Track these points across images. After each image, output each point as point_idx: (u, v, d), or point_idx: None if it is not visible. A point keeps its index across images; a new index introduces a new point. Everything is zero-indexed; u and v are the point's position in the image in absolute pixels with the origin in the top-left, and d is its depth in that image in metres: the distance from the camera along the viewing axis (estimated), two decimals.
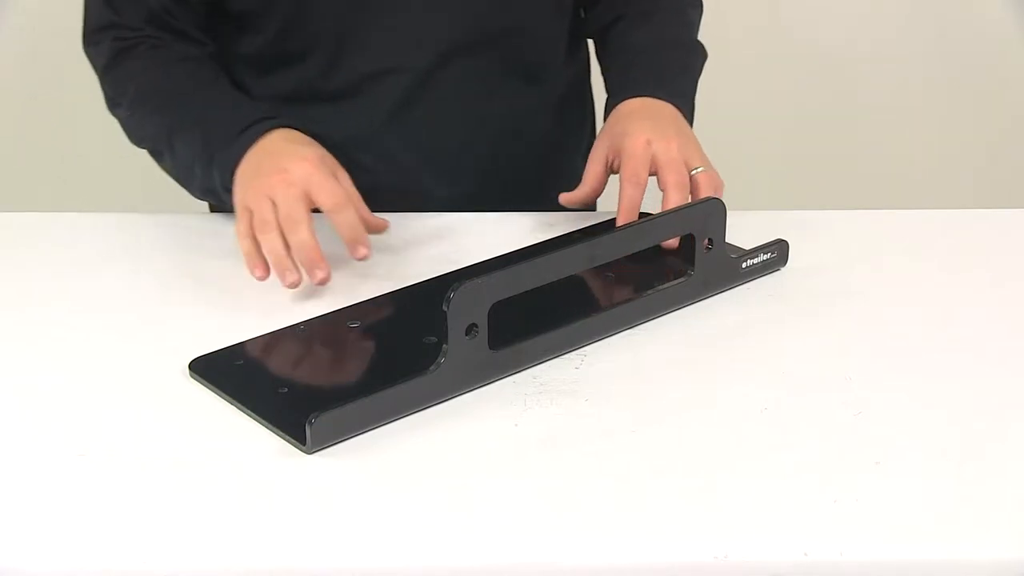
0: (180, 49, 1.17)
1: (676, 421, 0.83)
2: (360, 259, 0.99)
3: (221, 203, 1.11)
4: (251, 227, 0.99)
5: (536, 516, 0.73)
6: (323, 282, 0.97)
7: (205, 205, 1.29)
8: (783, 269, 1.06)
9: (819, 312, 0.98)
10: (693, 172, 1.06)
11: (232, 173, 1.04)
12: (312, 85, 1.19)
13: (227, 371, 0.89)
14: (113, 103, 1.18)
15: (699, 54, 1.25)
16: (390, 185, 1.20)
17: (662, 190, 1.06)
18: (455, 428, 0.83)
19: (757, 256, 1.03)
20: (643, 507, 0.74)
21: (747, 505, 0.74)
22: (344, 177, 1.04)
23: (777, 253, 1.05)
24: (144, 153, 1.17)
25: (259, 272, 0.99)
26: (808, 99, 2.36)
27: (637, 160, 1.06)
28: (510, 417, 0.84)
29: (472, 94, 1.20)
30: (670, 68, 1.20)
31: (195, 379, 0.88)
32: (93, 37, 1.19)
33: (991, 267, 1.07)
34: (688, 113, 1.16)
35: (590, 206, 1.20)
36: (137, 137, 1.17)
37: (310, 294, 1.00)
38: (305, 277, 0.99)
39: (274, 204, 0.98)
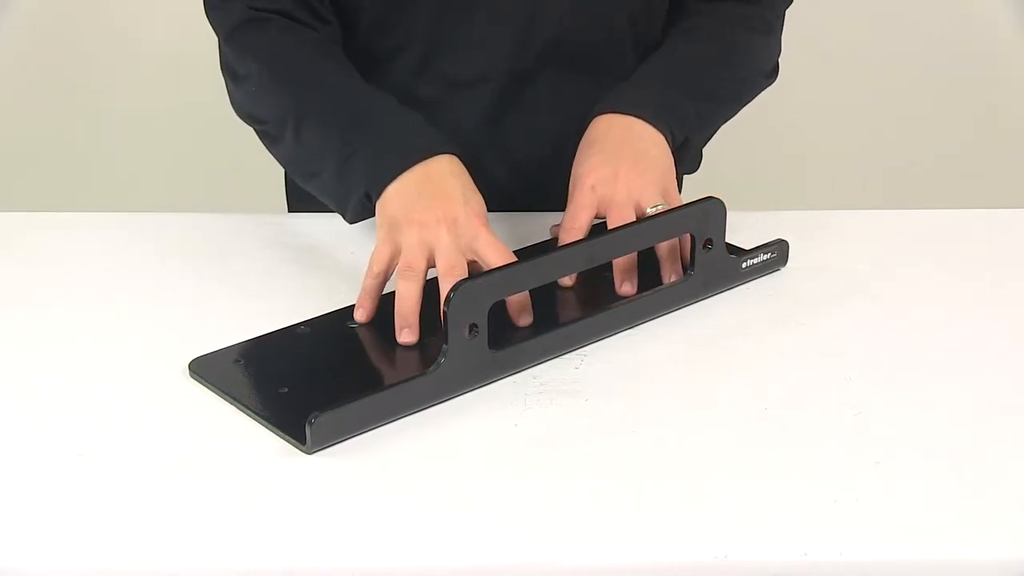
0: (314, 34, 1.12)
1: (676, 421, 0.83)
2: (523, 325, 0.93)
3: (337, 204, 1.04)
4: (388, 264, 0.95)
5: (536, 516, 0.73)
6: None
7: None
8: (783, 269, 1.06)
9: (819, 312, 0.98)
10: (648, 211, 1.00)
11: (385, 185, 0.97)
12: (401, 90, 1.14)
13: (227, 371, 0.89)
14: (231, 74, 1.12)
15: (728, 79, 1.17)
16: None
17: None
18: (455, 428, 0.83)
19: (757, 256, 1.03)
20: (643, 507, 0.74)
21: (747, 505, 0.74)
22: None
23: (777, 253, 1.04)
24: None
25: (363, 317, 0.95)
26: (808, 99, 2.36)
27: (578, 207, 1.01)
28: (510, 417, 0.84)
29: (563, 105, 1.17)
30: (668, 85, 1.13)
31: (195, 379, 0.88)
32: (221, 3, 1.13)
33: (991, 267, 1.07)
34: (671, 134, 1.08)
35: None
36: (249, 114, 1.11)
37: (310, 294, 1.00)
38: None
39: (432, 252, 0.93)
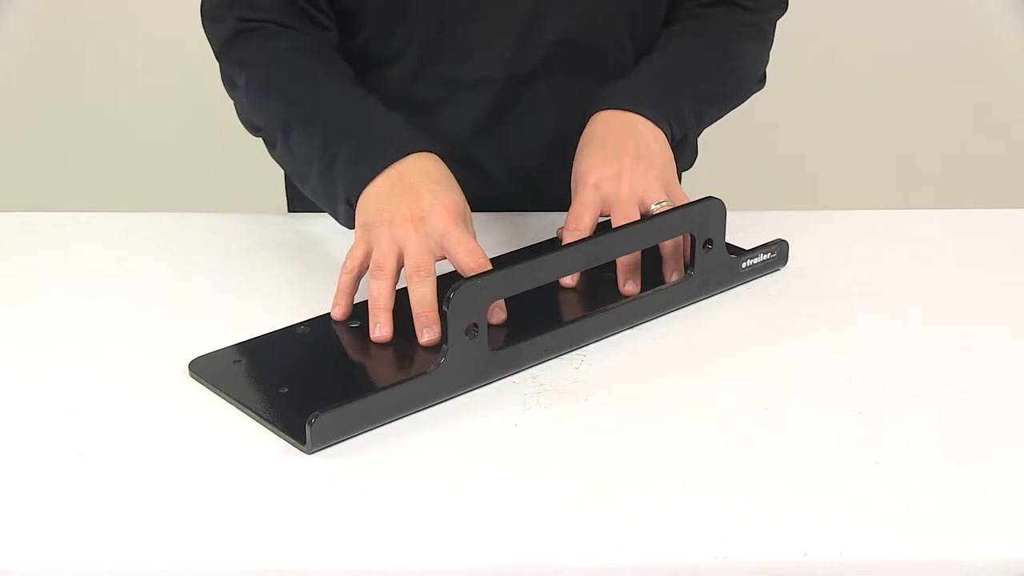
0: (304, 38, 1.12)
1: (676, 421, 0.83)
2: (497, 323, 0.93)
3: (329, 209, 1.05)
4: (361, 262, 0.95)
5: (536, 516, 0.73)
6: (429, 344, 0.91)
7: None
8: (783, 269, 1.06)
9: (819, 312, 0.98)
10: (653, 207, 1.00)
11: (361, 190, 0.98)
12: (400, 91, 1.15)
13: (227, 371, 0.89)
14: (230, 85, 1.14)
15: (722, 82, 1.18)
16: (476, 198, 1.17)
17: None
18: (455, 428, 0.83)
19: (757, 256, 1.03)
20: (643, 507, 0.74)
21: (747, 505, 0.74)
22: (471, 227, 0.98)
23: (777, 253, 1.05)
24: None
25: (338, 314, 0.95)
26: (808, 98, 2.36)
27: (582, 206, 1.01)
28: (510, 417, 0.84)
29: (562, 106, 1.17)
30: (667, 84, 1.12)
31: (195, 379, 0.88)
32: (215, 13, 1.14)
33: (991, 267, 1.07)
34: (671, 131, 1.08)
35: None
36: (250, 124, 1.12)
37: (310, 294, 1.00)
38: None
39: (401, 251, 0.93)
